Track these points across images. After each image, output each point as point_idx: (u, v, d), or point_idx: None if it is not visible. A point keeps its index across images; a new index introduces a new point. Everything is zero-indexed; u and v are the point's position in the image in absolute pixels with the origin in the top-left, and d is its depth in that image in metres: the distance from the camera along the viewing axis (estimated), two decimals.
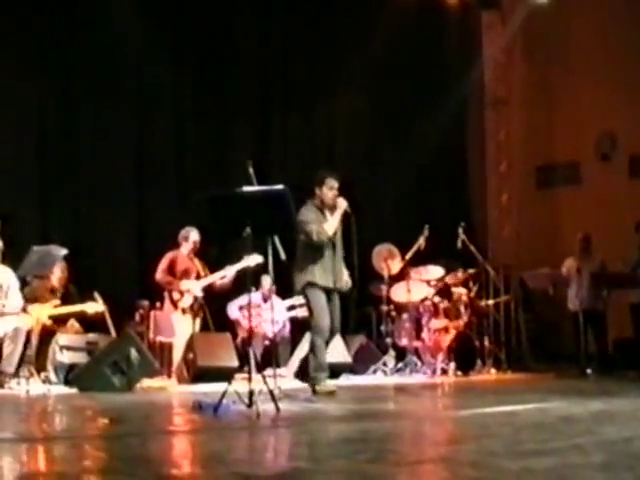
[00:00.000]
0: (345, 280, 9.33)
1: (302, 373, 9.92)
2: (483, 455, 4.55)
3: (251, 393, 6.94)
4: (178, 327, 11.20)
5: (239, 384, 7.34)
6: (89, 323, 10.82)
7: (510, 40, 15.63)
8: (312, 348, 9.13)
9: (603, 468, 4.16)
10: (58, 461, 4.73)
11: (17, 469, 4.37)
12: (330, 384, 9.17)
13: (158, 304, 11.48)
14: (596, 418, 6.48)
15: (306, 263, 9.08)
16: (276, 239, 8.60)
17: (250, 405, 6.86)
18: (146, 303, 11.62)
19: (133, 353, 9.65)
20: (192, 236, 11.34)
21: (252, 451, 5.20)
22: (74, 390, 9.49)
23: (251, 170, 8.06)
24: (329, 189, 9.19)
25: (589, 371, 11.88)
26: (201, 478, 3.98)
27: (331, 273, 9.11)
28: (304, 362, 9.80)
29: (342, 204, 9.10)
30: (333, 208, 9.14)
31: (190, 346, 10.95)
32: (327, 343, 9.23)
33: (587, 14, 15.15)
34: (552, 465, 4.21)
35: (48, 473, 4.27)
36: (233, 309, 12.22)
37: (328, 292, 9.13)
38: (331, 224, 9.10)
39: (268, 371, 8.61)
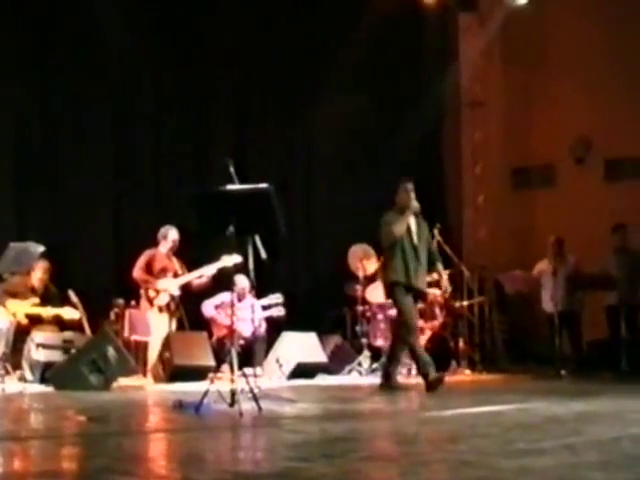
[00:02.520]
0: (424, 282, 9.89)
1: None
2: (477, 455, 4.53)
3: (233, 392, 6.91)
4: (154, 326, 11.14)
5: (218, 383, 7.30)
6: (64, 321, 10.76)
7: (488, 42, 15.63)
8: (410, 348, 9.63)
9: (600, 467, 4.16)
10: (46, 460, 4.67)
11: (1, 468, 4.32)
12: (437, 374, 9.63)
13: (134, 302, 11.41)
14: (581, 418, 6.51)
15: (390, 263, 9.68)
16: (257, 238, 8.54)
17: (232, 404, 6.83)
18: (121, 301, 11.55)
19: (110, 351, 9.57)
20: (171, 235, 11.31)
21: (242, 450, 5.16)
22: (50, 388, 9.40)
23: (232, 169, 7.98)
24: (403, 192, 9.73)
25: (563, 372, 11.92)
26: (199, 476, 3.93)
27: (413, 273, 9.57)
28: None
29: (411, 206, 9.64)
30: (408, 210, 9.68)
31: (166, 345, 10.86)
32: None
33: (565, 17, 15.21)
34: (548, 465, 4.21)
35: (34, 472, 4.20)
36: (208, 308, 12.15)
37: (411, 290, 9.62)
38: (399, 225, 9.58)
39: (245, 371, 8.57)
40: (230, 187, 7.42)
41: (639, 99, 14.56)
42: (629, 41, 14.43)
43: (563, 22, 15.26)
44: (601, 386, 10.22)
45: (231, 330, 8.36)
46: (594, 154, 15.34)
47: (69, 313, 10.49)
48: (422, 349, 9.76)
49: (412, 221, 9.72)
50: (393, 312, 12.70)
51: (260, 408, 6.82)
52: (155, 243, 11.40)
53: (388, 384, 9.60)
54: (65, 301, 10.65)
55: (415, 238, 9.67)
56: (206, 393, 6.93)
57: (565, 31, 15.27)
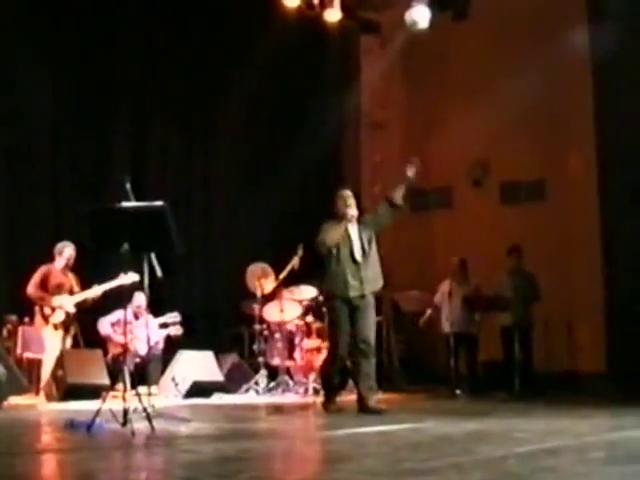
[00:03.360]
0: (365, 289, 9.35)
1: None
2: (365, 475, 4.56)
3: (125, 411, 6.85)
4: (48, 343, 10.96)
5: (111, 402, 7.22)
6: None
7: (389, 65, 15.78)
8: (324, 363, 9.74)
9: None
10: None
11: None
12: (334, 405, 9.54)
13: (27, 319, 11.21)
14: (471, 437, 6.58)
15: (324, 273, 9.42)
16: (153, 256, 8.47)
17: (124, 424, 6.76)
18: (14, 318, 11.34)
19: (1, 370, 9.39)
20: (67, 251, 11.17)
21: (130, 471, 5.10)
22: None
23: (128, 186, 7.92)
24: (338, 200, 9.46)
25: (459, 392, 12.04)
26: None
27: (347, 283, 9.23)
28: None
29: (347, 214, 9.35)
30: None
31: (60, 363, 10.69)
32: (363, 355, 9.38)
33: (464, 43, 15.44)
34: None
35: None
36: (105, 325, 11.99)
37: (350, 302, 9.24)
38: (332, 234, 9.30)
39: (140, 389, 8.49)
40: (124, 204, 7.36)
41: (534, 124, 14.84)
42: (525, 67, 14.69)
43: (463, 46, 15.50)
44: (494, 406, 10.36)
45: (125, 348, 8.30)
46: (491, 177, 15.61)
47: None
48: (334, 373, 9.68)
49: (353, 230, 9.41)
50: (294, 331, 12.82)
51: (153, 427, 6.76)
52: (51, 259, 11.24)
53: (369, 407, 9.16)
54: None
55: (356, 249, 9.33)
56: (98, 412, 6.84)
57: (464, 55, 15.51)
